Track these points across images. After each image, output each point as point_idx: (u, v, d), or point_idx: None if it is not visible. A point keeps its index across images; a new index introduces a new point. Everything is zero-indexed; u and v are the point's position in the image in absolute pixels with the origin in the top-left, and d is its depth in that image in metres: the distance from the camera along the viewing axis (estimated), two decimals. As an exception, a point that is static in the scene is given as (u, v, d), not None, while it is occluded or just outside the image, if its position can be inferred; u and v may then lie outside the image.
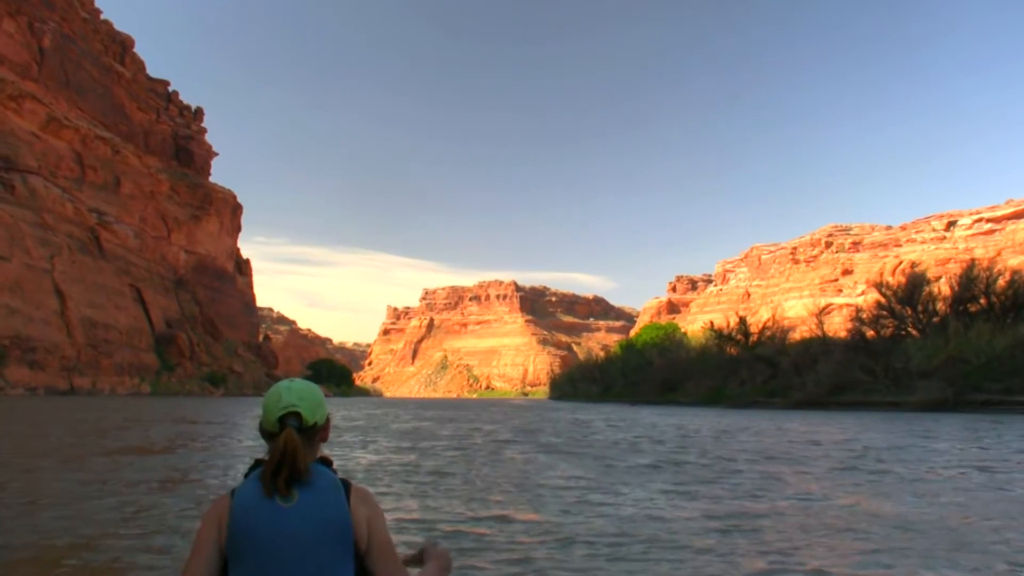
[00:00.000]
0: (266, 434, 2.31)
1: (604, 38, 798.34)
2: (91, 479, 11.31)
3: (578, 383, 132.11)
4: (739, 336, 74.09)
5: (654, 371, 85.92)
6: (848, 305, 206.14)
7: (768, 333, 71.67)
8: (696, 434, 24.57)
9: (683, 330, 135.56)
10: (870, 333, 57.34)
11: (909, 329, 58.06)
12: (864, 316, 58.39)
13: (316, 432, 2.34)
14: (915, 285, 58.57)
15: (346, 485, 2.29)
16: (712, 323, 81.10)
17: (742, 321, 75.23)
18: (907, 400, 43.31)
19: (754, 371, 63.97)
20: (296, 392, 2.31)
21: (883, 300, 59.16)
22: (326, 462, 2.36)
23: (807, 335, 71.70)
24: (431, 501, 9.48)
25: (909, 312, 58.42)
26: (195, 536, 2.23)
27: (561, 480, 11.91)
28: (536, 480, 11.94)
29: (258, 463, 2.30)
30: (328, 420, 2.42)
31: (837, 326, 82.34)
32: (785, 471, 13.16)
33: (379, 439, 22.47)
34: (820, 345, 58.24)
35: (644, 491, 10.62)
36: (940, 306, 56.54)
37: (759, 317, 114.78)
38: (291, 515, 2.14)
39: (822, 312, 71.89)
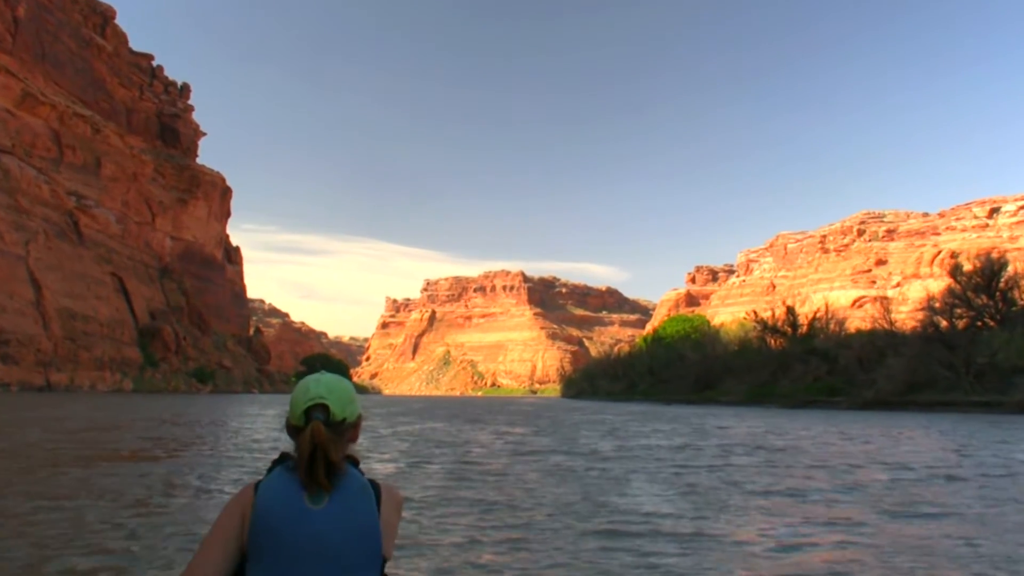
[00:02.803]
0: (292, 429, 2.27)
1: (616, 16, 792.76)
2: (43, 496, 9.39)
3: (597, 380, 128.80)
4: (786, 328, 70.22)
5: (687, 367, 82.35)
6: (883, 298, 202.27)
7: (819, 325, 67.77)
8: (786, 442, 20.82)
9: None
10: (943, 324, 53.70)
11: (986, 319, 54.72)
12: (936, 305, 54.63)
13: (345, 429, 2.29)
14: (993, 272, 55.00)
15: (376, 488, 2.26)
16: (755, 312, 77.23)
17: (790, 311, 71.29)
18: (1004, 400, 39.54)
19: (807, 367, 60.25)
20: (325, 384, 2.29)
21: (957, 288, 55.56)
22: (353, 462, 2.30)
23: (859, 328, 68.03)
24: (495, 553, 6.93)
25: (986, 300, 54.99)
26: (214, 525, 2.18)
27: (665, 520, 8.71)
28: (619, 512, 9.12)
29: (284, 456, 2.26)
30: (359, 419, 2.37)
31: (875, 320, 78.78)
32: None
33: (394, 443, 19.42)
34: (887, 337, 54.40)
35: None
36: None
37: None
38: (318, 519, 2.12)
39: (870, 304, 68.08)
